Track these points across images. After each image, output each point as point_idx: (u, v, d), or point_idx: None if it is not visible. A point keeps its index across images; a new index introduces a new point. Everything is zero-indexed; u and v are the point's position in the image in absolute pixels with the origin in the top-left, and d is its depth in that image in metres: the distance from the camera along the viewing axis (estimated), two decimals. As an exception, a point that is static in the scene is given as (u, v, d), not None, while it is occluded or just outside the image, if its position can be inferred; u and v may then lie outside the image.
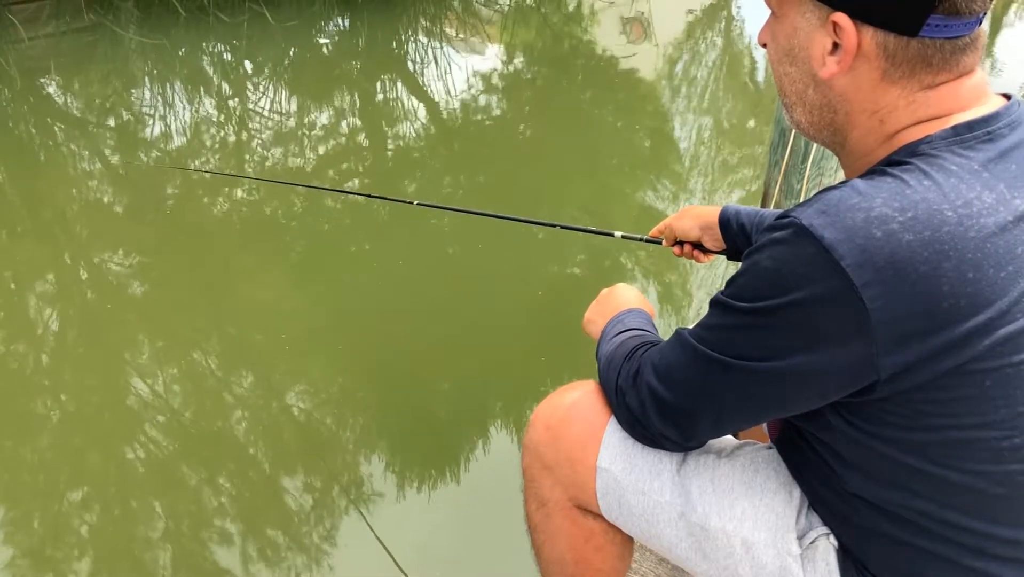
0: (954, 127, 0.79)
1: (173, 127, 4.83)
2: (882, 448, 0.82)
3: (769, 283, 0.78)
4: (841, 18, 0.80)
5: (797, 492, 0.96)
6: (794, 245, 0.76)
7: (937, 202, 0.74)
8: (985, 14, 0.80)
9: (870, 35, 0.79)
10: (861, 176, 0.80)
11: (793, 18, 0.85)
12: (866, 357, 0.75)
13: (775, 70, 0.91)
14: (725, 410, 0.88)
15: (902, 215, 0.73)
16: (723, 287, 0.86)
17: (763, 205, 2.64)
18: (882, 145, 0.84)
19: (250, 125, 5.06)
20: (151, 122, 4.93)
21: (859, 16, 0.79)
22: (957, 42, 0.79)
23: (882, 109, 0.83)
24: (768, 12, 0.90)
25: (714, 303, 0.86)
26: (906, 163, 0.78)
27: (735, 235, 1.38)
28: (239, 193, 3.94)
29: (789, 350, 0.79)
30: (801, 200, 2.35)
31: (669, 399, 0.91)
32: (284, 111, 5.28)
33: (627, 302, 1.21)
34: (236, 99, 5.45)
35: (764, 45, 0.92)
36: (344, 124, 5.10)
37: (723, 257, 1.44)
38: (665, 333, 1.05)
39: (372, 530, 2.04)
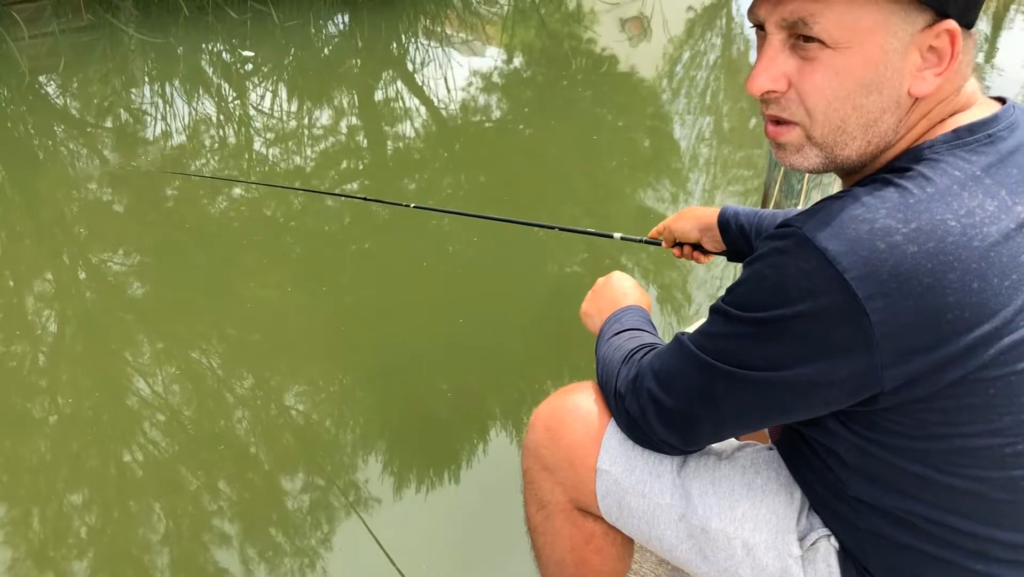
0: (955, 130, 0.79)
1: (173, 127, 4.83)
2: (884, 454, 0.82)
3: (771, 293, 0.78)
4: (953, 25, 0.76)
5: (798, 493, 0.96)
6: (796, 256, 0.75)
7: (940, 212, 0.73)
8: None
9: (961, 38, 0.77)
10: (862, 184, 0.79)
11: (880, 41, 0.76)
12: (870, 369, 0.75)
13: (832, 111, 0.79)
14: (726, 417, 0.87)
15: (906, 226, 0.72)
16: (724, 294, 0.85)
17: (763, 205, 2.64)
18: (885, 149, 0.83)
19: (249, 125, 5.06)
20: (151, 122, 4.93)
21: (962, 20, 0.76)
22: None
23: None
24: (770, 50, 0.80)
25: (715, 310, 0.86)
26: (908, 169, 0.77)
27: (734, 236, 1.37)
28: (238, 193, 3.94)
29: (792, 361, 0.78)
30: (801, 200, 2.34)
31: (670, 405, 0.91)
32: (284, 111, 5.27)
33: (623, 294, 1.21)
34: (236, 99, 5.45)
35: (771, 91, 0.81)
36: (344, 124, 5.09)
37: (723, 258, 1.44)
38: (664, 335, 1.05)
39: (370, 531, 2.04)
